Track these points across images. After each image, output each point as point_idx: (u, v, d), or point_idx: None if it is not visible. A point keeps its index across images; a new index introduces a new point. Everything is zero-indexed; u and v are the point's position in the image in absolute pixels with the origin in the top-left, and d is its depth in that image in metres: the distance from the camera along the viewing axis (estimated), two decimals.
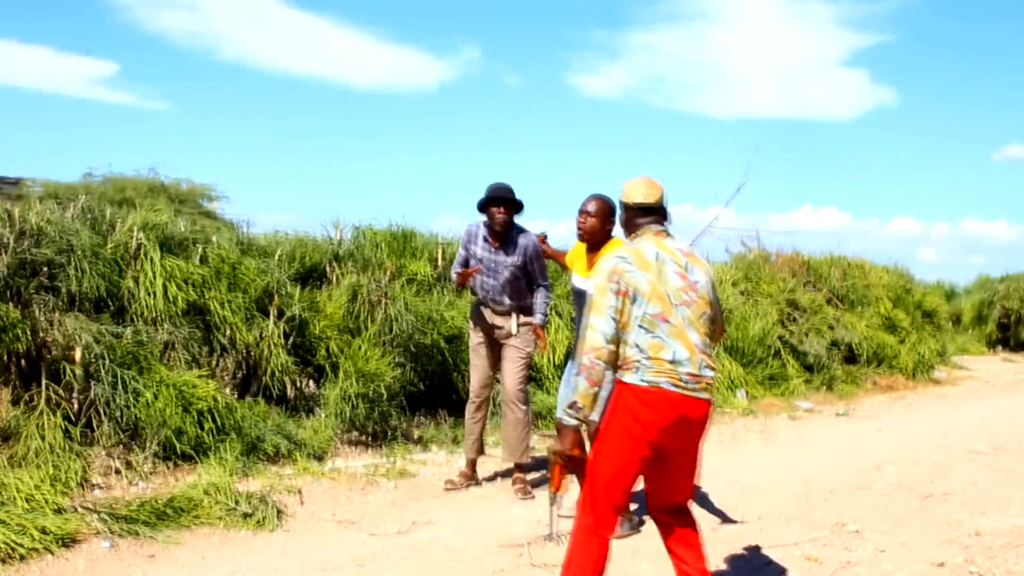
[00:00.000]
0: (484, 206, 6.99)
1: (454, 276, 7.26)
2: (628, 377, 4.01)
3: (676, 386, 3.96)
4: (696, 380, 4.01)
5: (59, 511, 5.64)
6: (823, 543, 6.16)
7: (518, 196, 6.97)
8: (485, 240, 7.09)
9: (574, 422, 4.04)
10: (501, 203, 6.92)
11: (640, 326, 3.99)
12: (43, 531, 5.34)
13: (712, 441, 9.53)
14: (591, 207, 6.21)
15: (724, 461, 8.66)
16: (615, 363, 4.05)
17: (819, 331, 14.13)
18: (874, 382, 14.26)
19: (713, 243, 26.89)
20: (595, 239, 6.23)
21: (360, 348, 8.32)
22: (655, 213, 4.33)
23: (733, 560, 5.78)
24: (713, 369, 4.15)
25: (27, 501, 5.62)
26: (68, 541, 5.40)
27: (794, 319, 14.10)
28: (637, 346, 3.99)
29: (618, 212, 4.53)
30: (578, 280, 6.27)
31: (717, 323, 4.32)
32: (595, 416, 4.46)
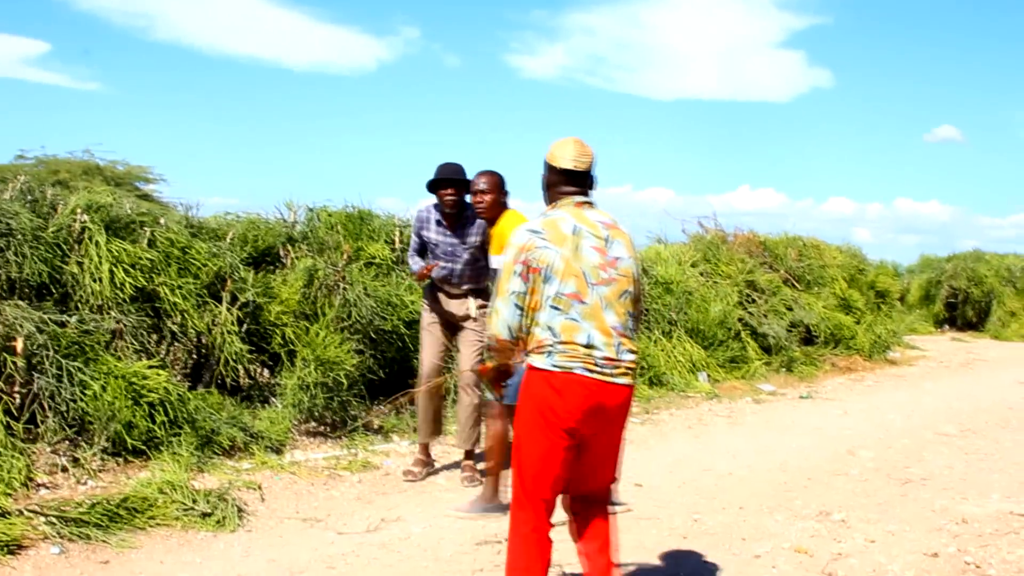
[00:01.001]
0: (433, 188, 6.66)
1: (414, 269, 6.93)
2: (538, 362, 3.75)
3: (590, 371, 3.70)
4: (613, 364, 3.75)
5: (3, 514, 5.22)
6: (810, 534, 5.94)
7: (468, 175, 6.62)
8: (439, 224, 6.77)
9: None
10: (450, 184, 6.59)
11: (553, 306, 3.72)
12: None
13: (679, 426, 9.37)
14: (483, 184, 6.06)
15: (694, 447, 8.44)
16: (526, 346, 3.85)
17: (778, 312, 13.98)
18: (832, 363, 14.15)
19: (670, 224, 26.72)
20: (494, 215, 6.06)
21: (318, 335, 7.95)
22: (582, 180, 4.02)
23: (721, 555, 5.53)
24: (634, 352, 3.86)
25: None
26: (14, 547, 4.99)
27: (753, 300, 13.93)
28: (549, 328, 3.73)
29: (543, 174, 4.12)
30: (494, 260, 6.00)
31: (639, 302, 4.04)
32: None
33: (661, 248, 14.27)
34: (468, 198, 6.58)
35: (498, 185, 6.07)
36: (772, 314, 13.82)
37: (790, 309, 14.26)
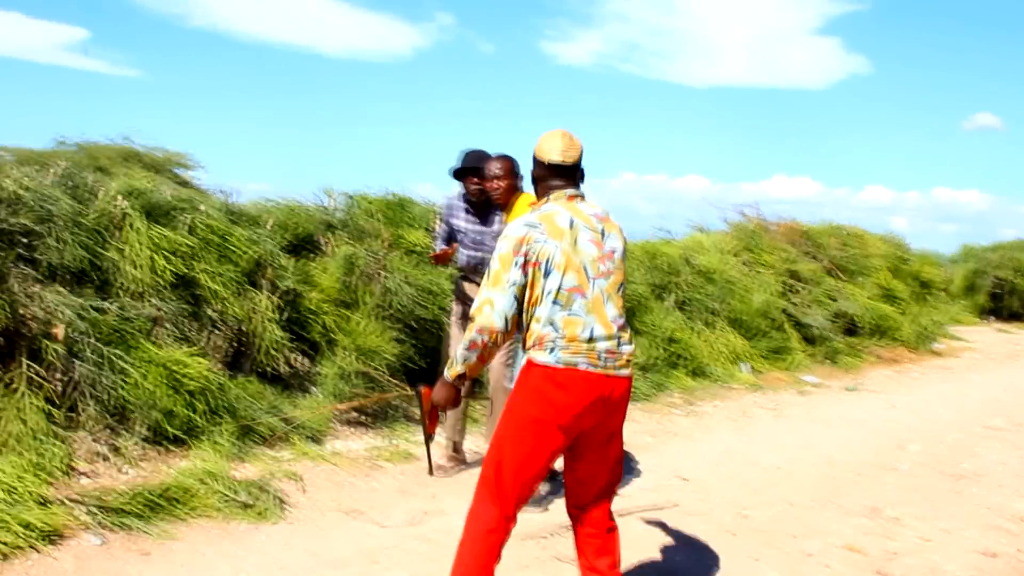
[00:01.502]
0: (459, 175, 6.53)
1: (434, 251, 6.81)
2: (541, 357, 3.63)
3: (594, 365, 3.61)
4: (615, 357, 3.66)
5: (44, 503, 5.17)
6: (863, 531, 5.81)
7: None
8: (466, 212, 6.64)
9: (459, 385, 3.82)
10: (475, 172, 6.44)
11: (555, 301, 3.61)
12: (27, 526, 4.86)
13: (723, 418, 9.22)
14: (497, 170, 5.91)
15: (739, 440, 8.29)
16: (524, 342, 3.73)
17: (821, 303, 13.77)
18: (877, 355, 13.93)
19: (709, 212, 26.46)
20: (508, 200, 5.94)
21: (358, 323, 7.87)
22: (572, 174, 3.90)
23: (772, 552, 5.40)
24: (630, 343, 3.77)
25: (8, 493, 5.14)
26: (55, 537, 4.93)
27: (795, 290, 13.73)
28: (551, 323, 3.61)
29: (530, 168, 4.00)
30: None
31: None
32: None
33: (702, 237, 14.08)
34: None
35: (511, 170, 5.92)
36: (815, 304, 13.62)
37: (833, 299, 14.06)
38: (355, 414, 7.85)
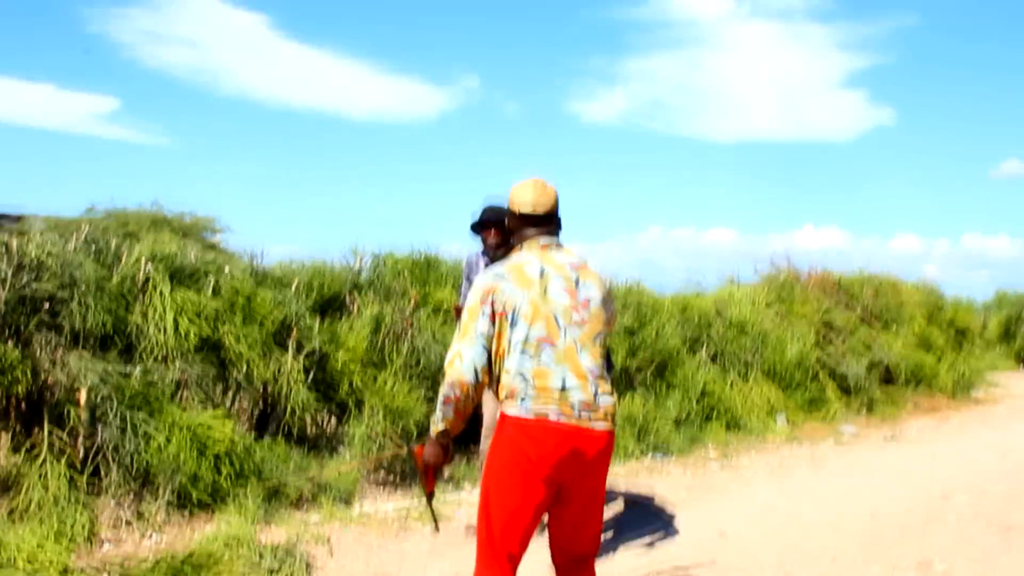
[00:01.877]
0: (477, 230, 6.43)
1: (455, 312, 6.71)
2: (512, 409, 3.52)
3: (567, 416, 3.48)
4: (591, 408, 3.53)
5: (65, 572, 5.06)
6: None
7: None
8: (486, 267, 6.54)
9: (444, 441, 3.67)
10: (494, 226, 6.34)
11: (522, 351, 3.51)
12: None
13: (760, 471, 9.00)
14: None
15: (777, 493, 8.07)
16: (496, 393, 3.61)
17: (856, 352, 13.54)
18: (915, 403, 13.66)
19: (740, 264, 26.28)
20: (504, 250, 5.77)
21: (386, 383, 7.76)
22: (546, 223, 3.79)
23: None
24: (611, 395, 3.64)
25: (29, 562, 5.03)
26: None
27: (830, 340, 13.51)
28: (521, 375, 3.50)
29: (505, 218, 3.92)
30: None
31: (612, 325, 3.85)
32: None
33: (734, 289, 13.90)
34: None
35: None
36: (850, 354, 13.39)
37: (869, 348, 13.83)
38: (384, 474, 7.71)
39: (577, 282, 3.66)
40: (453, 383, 3.52)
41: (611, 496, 7.69)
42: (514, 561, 3.63)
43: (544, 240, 3.75)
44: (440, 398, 3.59)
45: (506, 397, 3.55)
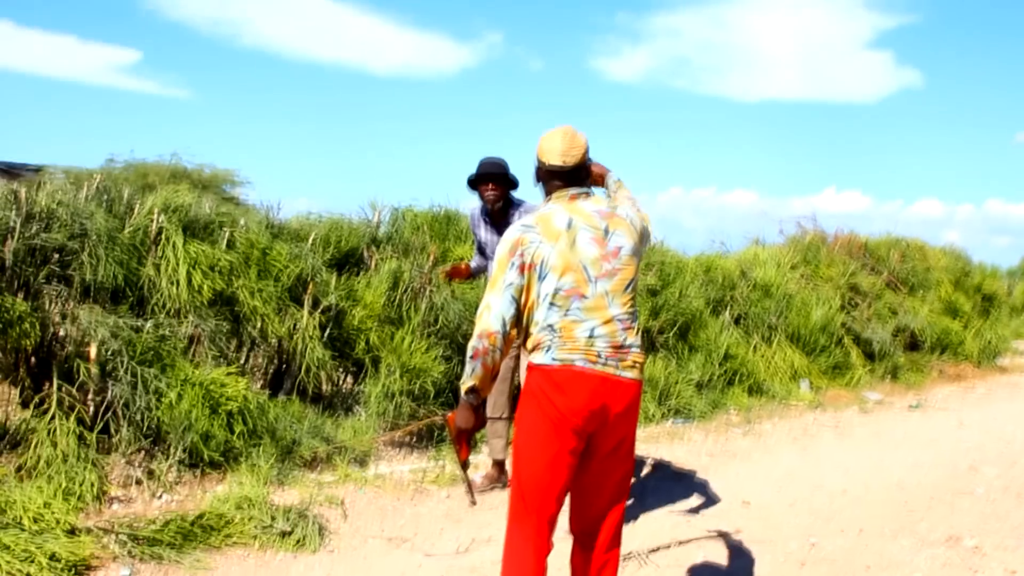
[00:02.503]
0: (474, 184, 6.23)
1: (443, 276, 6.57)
2: (538, 358, 3.48)
3: (593, 363, 3.43)
4: (618, 357, 3.47)
5: (72, 532, 4.92)
6: (942, 562, 5.40)
7: (512, 171, 6.23)
8: (485, 223, 6.36)
9: (474, 402, 3.59)
10: (491, 179, 6.15)
11: (551, 304, 3.46)
12: (53, 557, 4.60)
13: (783, 437, 8.83)
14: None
15: (802, 461, 7.89)
16: (525, 345, 3.57)
17: (882, 317, 13.29)
18: (940, 371, 13.40)
19: (764, 225, 25.95)
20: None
21: (404, 340, 7.57)
22: (575, 175, 3.68)
23: None
24: (639, 345, 3.57)
25: (35, 521, 4.89)
26: (82, 568, 4.67)
27: (855, 304, 13.26)
28: (549, 326, 3.46)
29: (535, 166, 3.78)
30: None
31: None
32: None
33: (759, 250, 13.64)
34: (513, 194, 6.24)
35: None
36: (876, 319, 13.14)
37: (894, 314, 13.57)
38: (399, 435, 7.55)
39: (607, 231, 3.57)
40: (481, 334, 3.44)
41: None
42: (552, 520, 3.54)
43: (573, 190, 3.65)
44: (468, 352, 3.49)
45: (534, 348, 3.50)
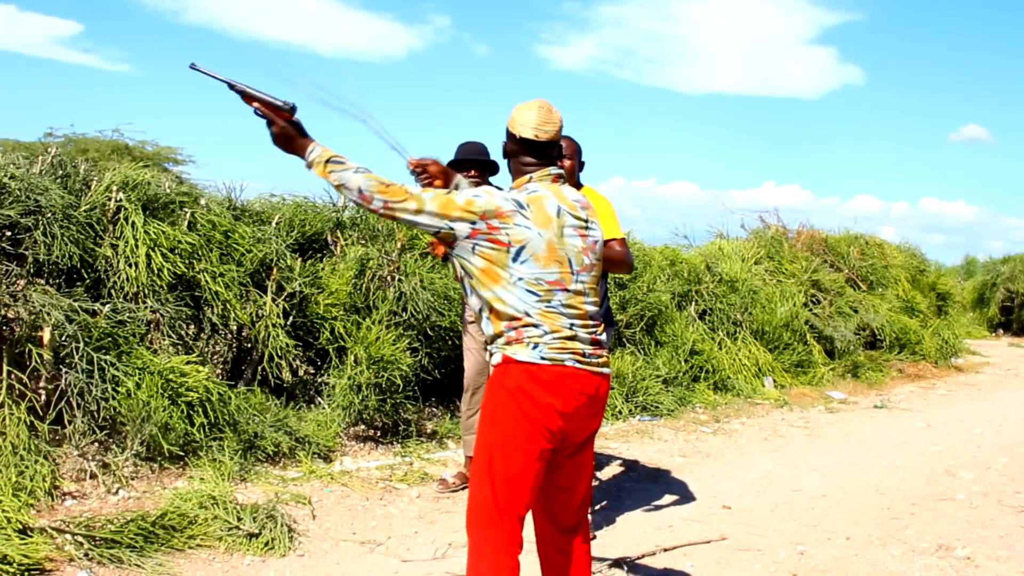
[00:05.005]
0: (453, 169, 5.95)
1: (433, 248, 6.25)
2: (522, 354, 3.24)
3: (580, 363, 3.29)
4: (597, 355, 3.37)
5: (24, 531, 4.57)
6: (936, 573, 5.21)
7: (492, 155, 5.99)
8: None
9: (301, 153, 3.35)
10: (472, 165, 5.89)
11: (528, 290, 3.24)
12: (4, 560, 4.27)
13: (754, 437, 8.68)
14: (563, 148, 5.32)
15: (776, 463, 7.71)
16: (488, 331, 3.34)
17: (844, 314, 13.20)
18: (899, 369, 13.36)
19: (729, 218, 25.93)
20: (573, 184, 5.27)
21: (370, 330, 7.26)
22: (547, 151, 3.47)
23: None
24: (606, 340, 3.50)
25: None
26: (36, 572, 4.34)
27: (818, 301, 13.16)
28: (527, 315, 3.24)
29: (503, 141, 3.56)
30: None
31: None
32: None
33: (723, 243, 13.49)
34: (492, 180, 5.97)
35: (577, 151, 5.35)
36: (837, 316, 13.05)
37: (855, 311, 13.49)
38: (364, 428, 7.25)
39: (586, 222, 3.42)
40: (388, 204, 3.20)
41: (604, 460, 7.32)
42: (521, 522, 3.33)
43: (553, 171, 3.45)
44: (361, 185, 3.20)
45: (513, 340, 3.26)
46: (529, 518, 3.42)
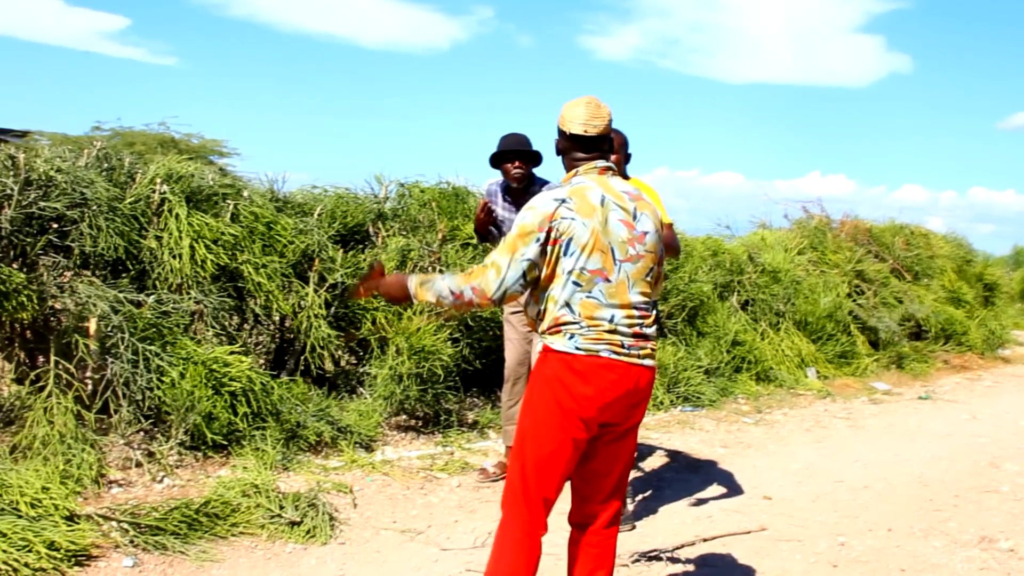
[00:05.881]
0: (497, 161, 5.96)
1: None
2: (559, 344, 3.31)
3: (617, 354, 3.31)
4: (639, 346, 3.37)
5: (71, 518, 4.65)
6: (979, 566, 5.17)
7: (535, 146, 5.98)
8: (505, 199, 6.08)
9: (411, 297, 3.47)
10: (516, 156, 5.89)
11: (573, 282, 3.30)
12: (52, 546, 4.34)
13: (796, 428, 8.62)
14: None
15: (818, 454, 7.66)
16: (534, 324, 3.46)
17: (888, 305, 13.08)
18: (945, 361, 13.22)
19: (772, 209, 25.71)
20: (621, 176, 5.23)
21: (411, 320, 7.30)
22: (598, 145, 3.52)
23: None
24: (654, 332, 3.48)
25: (32, 506, 4.62)
26: (82, 558, 4.41)
27: (861, 291, 13.05)
28: (568, 305, 3.31)
29: (556, 138, 3.61)
30: None
31: (660, 277, 3.61)
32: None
33: (766, 233, 13.42)
34: (535, 171, 5.99)
35: (623, 144, 5.35)
36: (882, 307, 12.93)
37: (900, 302, 13.36)
38: (405, 418, 7.30)
39: (635, 213, 3.43)
40: (476, 290, 3.32)
41: (646, 450, 7.31)
42: (548, 505, 3.41)
43: (601, 163, 3.48)
44: (452, 289, 3.34)
45: (551, 331, 3.34)
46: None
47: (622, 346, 3.31)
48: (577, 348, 3.27)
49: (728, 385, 9.76)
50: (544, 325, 3.36)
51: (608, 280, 3.31)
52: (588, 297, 3.29)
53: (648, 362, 3.40)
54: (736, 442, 7.93)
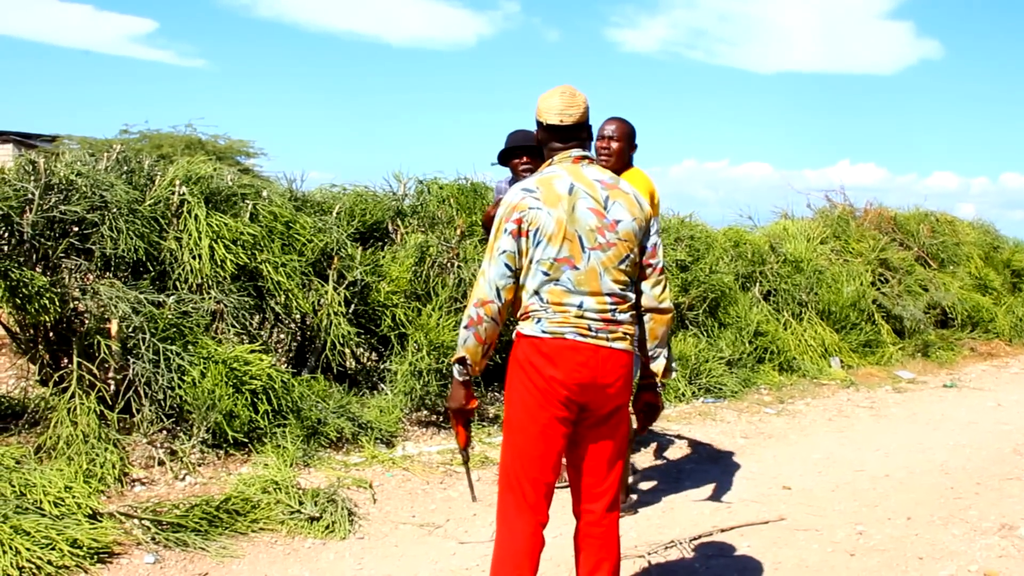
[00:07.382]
0: (505, 158, 5.98)
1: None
2: (527, 328, 3.37)
3: (584, 336, 3.34)
4: (608, 329, 3.38)
5: (94, 516, 4.73)
6: (998, 553, 5.16)
7: None
8: None
9: (465, 376, 3.44)
10: (524, 152, 5.89)
11: (543, 272, 3.34)
12: (74, 544, 4.42)
13: (818, 418, 8.59)
14: (611, 131, 5.31)
15: (839, 443, 7.65)
16: (516, 313, 3.45)
17: (913, 293, 13.01)
18: (971, 348, 13.12)
19: (795, 198, 25.58)
20: (618, 168, 5.25)
21: (430, 316, 7.35)
22: (575, 134, 3.52)
23: None
24: (630, 316, 3.48)
25: (56, 505, 4.70)
26: (104, 555, 4.49)
27: (886, 280, 12.98)
28: (537, 293, 3.35)
29: (535, 130, 3.64)
30: None
31: (659, 270, 3.57)
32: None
33: (788, 223, 13.37)
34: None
35: (628, 134, 5.35)
36: (906, 295, 12.86)
37: (925, 290, 13.28)
38: (426, 413, 7.35)
39: (606, 201, 3.43)
40: (476, 302, 3.36)
41: (665, 441, 7.33)
42: (548, 490, 3.45)
43: (576, 152, 3.50)
44: (463, 322, 3.41)
45: (521, 317, 3.40)
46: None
47: (589, 329, 3.34)
48: (543, 331, 3.32)
49: (750, 376, 9.75)
50: (518, 313, 3.42)
51: (576, 268, 3.34)
52: (556, 285, 3.34)
53: (619, 344, 3.40)
54: (757, 433, 7.93)
